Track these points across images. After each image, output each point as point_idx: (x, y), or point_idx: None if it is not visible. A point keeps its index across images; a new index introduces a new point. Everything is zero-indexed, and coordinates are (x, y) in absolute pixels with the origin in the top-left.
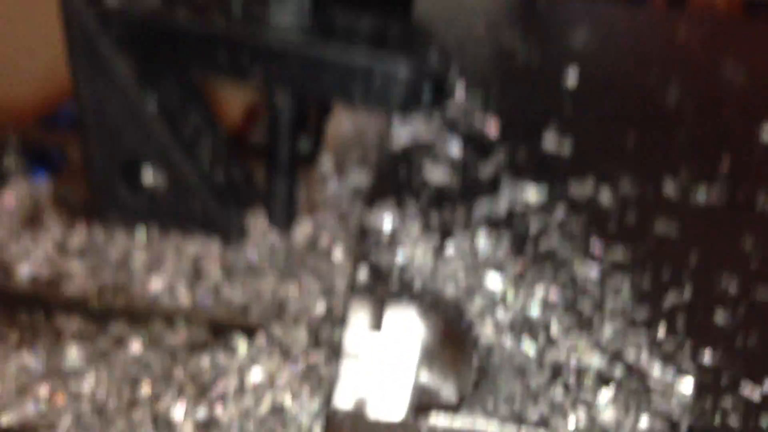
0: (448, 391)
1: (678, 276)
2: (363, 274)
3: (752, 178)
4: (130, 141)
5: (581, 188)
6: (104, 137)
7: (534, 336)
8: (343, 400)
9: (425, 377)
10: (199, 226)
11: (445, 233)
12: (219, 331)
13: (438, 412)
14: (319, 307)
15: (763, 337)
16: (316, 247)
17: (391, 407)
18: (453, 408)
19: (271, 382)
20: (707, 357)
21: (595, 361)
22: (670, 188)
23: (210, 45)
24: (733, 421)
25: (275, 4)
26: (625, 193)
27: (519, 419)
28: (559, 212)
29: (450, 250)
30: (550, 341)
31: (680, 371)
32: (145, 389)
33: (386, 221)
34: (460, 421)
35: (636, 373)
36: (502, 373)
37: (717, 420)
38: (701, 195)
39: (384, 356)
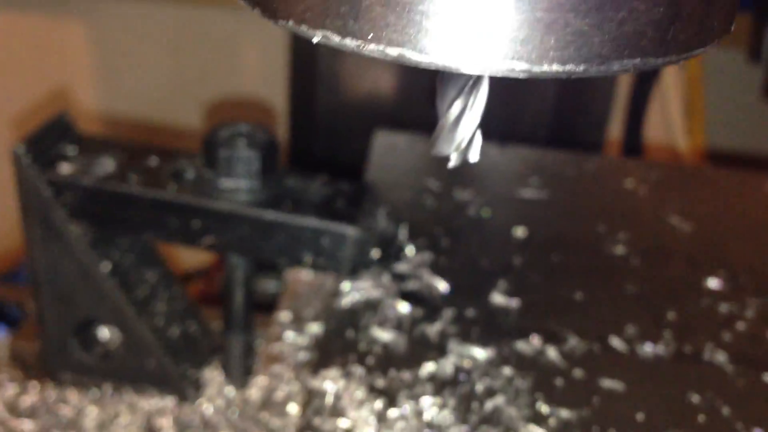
0: None
1: None
2: None
3: (698, 330)
4: (84, 301)
5: (528, 346)
6: (57, 298)
7: None
8: None
9: None
10: (153, 383)
11: (391, 396)
12: None
13: None
14: None
15: None
16: (271, 403)
17: None
18: None
19: None
20: None
21: None
22: (616, 343)
23: (161, 211)
24: None
25: (225, 170)
26: (572, 349)
27: None
28: (506, 370)
29: (395, 412)
30: None
31: None
32: None
33: (330, 386)
34: None
35: None
36: None
37: None
38: (648, 349)
39: None
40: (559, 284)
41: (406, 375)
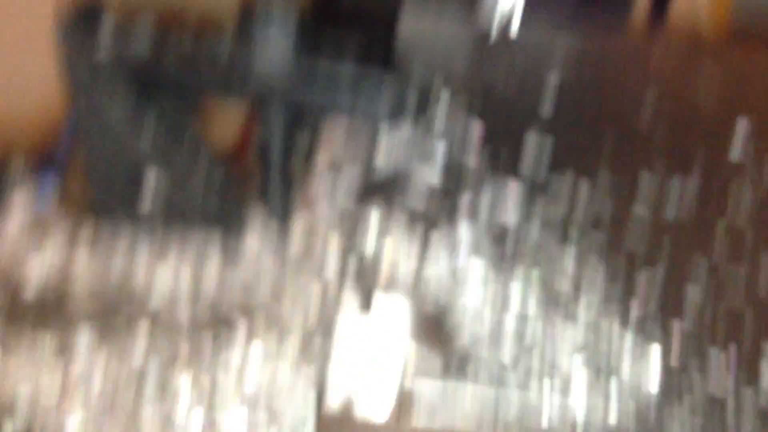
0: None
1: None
2: (352, 263)
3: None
4: (130, 146)
5: (559, 182)
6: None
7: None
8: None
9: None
10: (200, 223)
11: (430, 225)
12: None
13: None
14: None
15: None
16: (312, 237)
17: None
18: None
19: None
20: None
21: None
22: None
23: (202, 64)
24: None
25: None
26: (603, 185)
27: None
28: (539, 205)
29: (434, 240)
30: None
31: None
32: None
33: (374, 214)
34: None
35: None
36: None
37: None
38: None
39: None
40: (590, 130)
41: (444, 209)
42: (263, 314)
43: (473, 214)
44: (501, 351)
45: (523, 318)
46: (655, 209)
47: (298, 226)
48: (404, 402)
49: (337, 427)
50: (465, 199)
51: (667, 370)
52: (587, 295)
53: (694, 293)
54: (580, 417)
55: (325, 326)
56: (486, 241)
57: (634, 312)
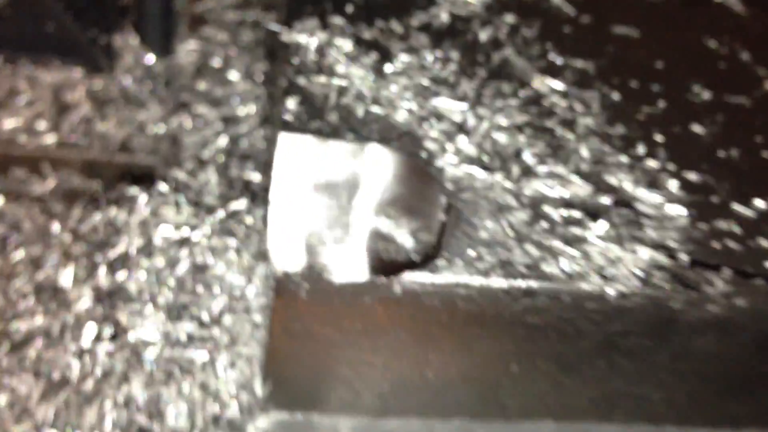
0: (415, 241)
1: (647, 86)
2: (291, 103)
3: None
4: None
5: None
6: None
7: (506, 166)
8: (286, 259)
9: (385, 225)
10: (55, 52)
11: (384, 49)
12: (101, 176)
13: (409, 268)
14: (221, 141)
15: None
16: (206, 70)
17: (350, 265)
18: (424, 262)
19: (184, 238)
20: (693, 176)
21: (578, 190)
22: None
23: None
24: (733, 244)
25: None
26: None
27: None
28: (508, 18)
29: (391, 68)
30: (526, 171)
31: (669, 197)
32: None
33: (311, 38)
34: (436, 276)
35: (624, 202)
36: (478, 212)
37: (716, 245)
38: None
39: (326, 202)
40: None
41: (396, 25)
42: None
43: (434, 38)
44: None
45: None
46: None
47: (185, 53)
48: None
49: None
50: (418, 19)
51: None
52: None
53: None
54: None
55: (250, 188)
56: (453, 65)
57: None
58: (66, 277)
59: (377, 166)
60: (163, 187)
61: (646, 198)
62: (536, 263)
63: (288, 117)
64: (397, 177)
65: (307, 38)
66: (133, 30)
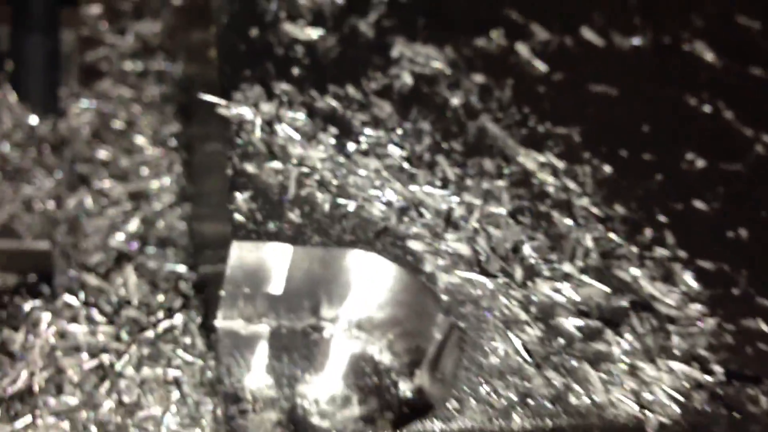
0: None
1: (638, 155)
2: (241, 198)
3: (667, 14)
4: None
5: (490, 43)
6: None
7: (507, 267)
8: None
9: (372, 355)
10: None
11: (343, 122)
12: None
13: None
14: (132, 224)
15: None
16: (106, 133)
17: (337, 412)
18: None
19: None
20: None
21: (590, 292)
22: (589, 35)
23: None
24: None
25: None
26: (542, 44)
27: None
28: (477, 77)
29: (354, 146)
30: (530, 272)
31: (688, 293)
32: None
33: (256, 111)
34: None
35: (642, 304)
36: (484, 331)
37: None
38: (624, 41)
39: (292, 324)
40: None
41: (352, 90)
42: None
43: (399, 106)
44: None
45: None
46: None
47: (76, 113)
48: None
49: None
50: (377, 83)
51: None
52: None
53: None
54: None
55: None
56: (427, 151)
57: None
58: None
59: (354, 276)
60: (68, 297)
61: (665, 297)
62: (561, 394)
63: (239, 217)
64: (381, 290)
65: (251, 112)
66: (9, 84)
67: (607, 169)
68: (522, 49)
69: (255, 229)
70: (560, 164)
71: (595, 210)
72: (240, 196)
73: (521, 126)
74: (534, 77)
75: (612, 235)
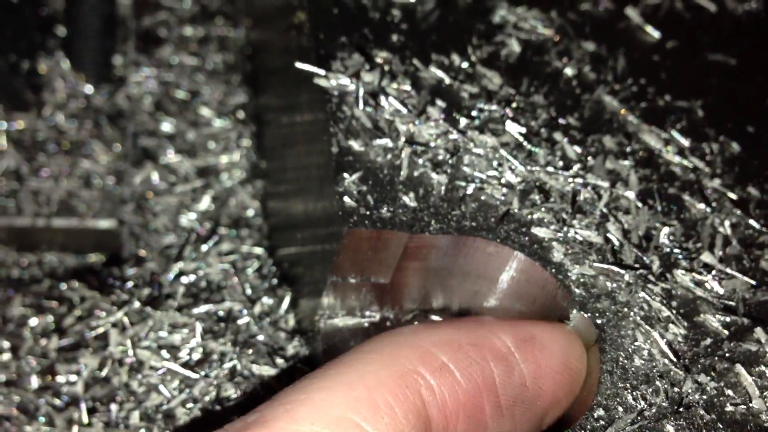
0: None
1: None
2: (350, 180)
3: None
4: None
5: (595, 6)
6: None
7: (643, 257)
8: None
9: None
10: None
11: (452, 95)
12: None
13: None
14: (204, 202)
15: None
16: (169, 104)
17: None
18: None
19: None
20: None
21: (734, 284)
22: None
23: None
24: None
25: None
26: None
27: None
28: (588, 44)
29: (466, 121)
30: (667, 262)
31: None
32: None
33: (357, 82)
34: None
35: None
36: (623, 328)
37: None
38: None
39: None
40: None
41: (457, 60)
42: None
43: (499, 61)
44: None
45: None
46: None
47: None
48: None
49: None
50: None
51: None
52: None
53: None
54: None
55: None
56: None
57: None
58: None
59: (478, 265)
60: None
61: None
62: (715, 401)
63: (349, 201)
64: (507, 280)
65: (352, 82)
66: (62, 51)
67: (736, 146)
68: (632, 13)
69: (367, 215)
70: (685, 142)
71: (728, 193)
72: (348, 178)
73: (639, 99)
74: (647, 45)
75: (751, 221)
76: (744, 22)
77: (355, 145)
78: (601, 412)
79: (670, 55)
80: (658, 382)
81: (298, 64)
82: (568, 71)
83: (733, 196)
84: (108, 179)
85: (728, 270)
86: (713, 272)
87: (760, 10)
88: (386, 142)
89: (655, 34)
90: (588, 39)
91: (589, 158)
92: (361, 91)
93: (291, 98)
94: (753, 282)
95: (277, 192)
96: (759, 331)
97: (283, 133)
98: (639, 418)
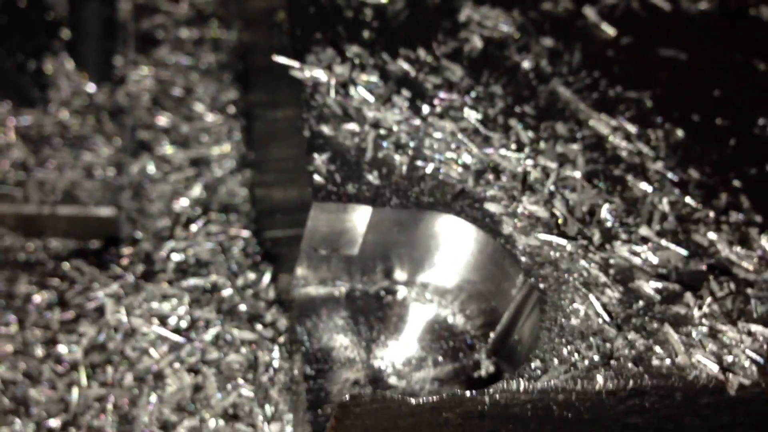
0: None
1: (710, 120)
2: (320, 160)
3: None
4: None
5: (558, 6)
6: None
7: (585, 230)
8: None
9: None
10: None
11: (417, 85)
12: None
13: None
14: (195, 190)
15: None
16: (166, 100)
17: (422, 375)
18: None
19: None
20: None
21: (668, 255)
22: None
23: None
24: None
25: None
26: (609, 7)
27: None
28: (546, 41)
29: (428, 108)
30: (607, 235)
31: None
32: None
33: (330, 73)
34: (531, 383)
35: (720, 268)
36: (564, 292)
37: None
38: (692, 6)
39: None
40: None
41: (423, 54)
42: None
43: (470, 67)
44: None
45: None
46: None
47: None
48: None
49: None
50: (448, 47)
51: None
52: None
53: None
54: None
55: None
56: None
57: None
58: None
59: (435, 238)
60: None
61: (742, 261)
62: (643, 356)
63: (318, 178)
64: (462, 251)
65: (325, 74)
66: (67, 53)
67: (680, 133)
68: (589, 12)
69: (335, 191)
70: (632, 128)
71: (669, 174)
72: (319, 158)
73: (592, 90)
74: (602, 41)
75: (688, 200)
76: (696, 20)
77: (326, 129)
78: (537, 363)
79: (623, 51)
80: (591, 339)
81: (276, 57)
82: (526, 64)
83: (674, 177)
84: (108, 170)
85: (663, 242)
86: (649, 244)
87: (714, 9)
88: (354, 126)
89: (610, 31)
90: (546, 35)
91: (541, 142)
92: (333, 82)
93: (274, 95)
94: (686, 252)
95: (262, 181)
96: (689, 296)
97: (268, 127)
98: (572, 368)
